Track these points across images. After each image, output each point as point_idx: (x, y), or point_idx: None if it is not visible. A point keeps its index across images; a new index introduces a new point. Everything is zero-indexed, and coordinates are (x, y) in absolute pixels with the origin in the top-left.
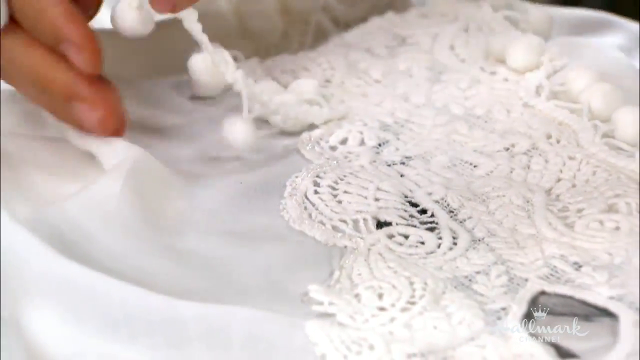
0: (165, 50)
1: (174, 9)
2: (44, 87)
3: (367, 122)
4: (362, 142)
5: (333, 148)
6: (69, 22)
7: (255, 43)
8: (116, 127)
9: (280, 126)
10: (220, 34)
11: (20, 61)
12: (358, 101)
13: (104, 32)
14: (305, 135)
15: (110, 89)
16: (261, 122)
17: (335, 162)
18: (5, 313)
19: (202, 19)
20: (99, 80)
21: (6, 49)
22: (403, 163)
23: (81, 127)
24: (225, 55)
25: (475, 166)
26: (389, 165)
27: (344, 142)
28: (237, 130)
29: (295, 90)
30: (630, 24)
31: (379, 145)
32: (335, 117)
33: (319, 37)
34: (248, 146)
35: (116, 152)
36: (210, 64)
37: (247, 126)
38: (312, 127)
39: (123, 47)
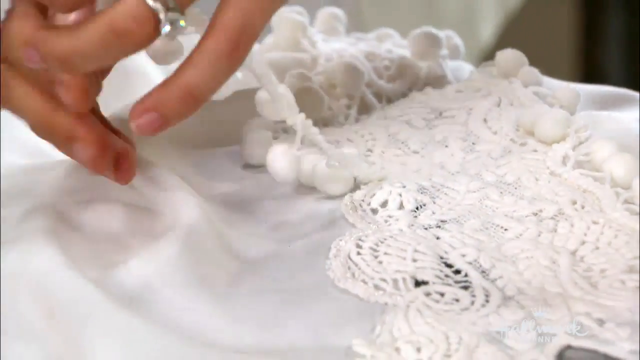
0: (219, 122)
1: (161, 128)
2: (46, 132)
3: (406, 184)
4: (401, 205)
5: (374, 211)
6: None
7: None
8: (108, 166)
9: (326, 191)
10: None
11: (24, 105)
12: (397, 168)
13: None
14: (347, 198)
15: (105, 129)
16: (308, 189)
17: (376, 226)
18: None
19: (253, 94)
20: (92, 120)
21: (9, 88)
22: (439, 226)
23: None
24: (289, 98)
25: (505, 229)
26: (426, 229)
27: (384, 204)
28: (282, 161)
29: None
30: None
31: (417, 208)
32: (376, 178)
33: (363, 111)
34: (290, 179)
35: (176, 209)
36: (262, 134)
37: (292, 159)
38: (354, 189)
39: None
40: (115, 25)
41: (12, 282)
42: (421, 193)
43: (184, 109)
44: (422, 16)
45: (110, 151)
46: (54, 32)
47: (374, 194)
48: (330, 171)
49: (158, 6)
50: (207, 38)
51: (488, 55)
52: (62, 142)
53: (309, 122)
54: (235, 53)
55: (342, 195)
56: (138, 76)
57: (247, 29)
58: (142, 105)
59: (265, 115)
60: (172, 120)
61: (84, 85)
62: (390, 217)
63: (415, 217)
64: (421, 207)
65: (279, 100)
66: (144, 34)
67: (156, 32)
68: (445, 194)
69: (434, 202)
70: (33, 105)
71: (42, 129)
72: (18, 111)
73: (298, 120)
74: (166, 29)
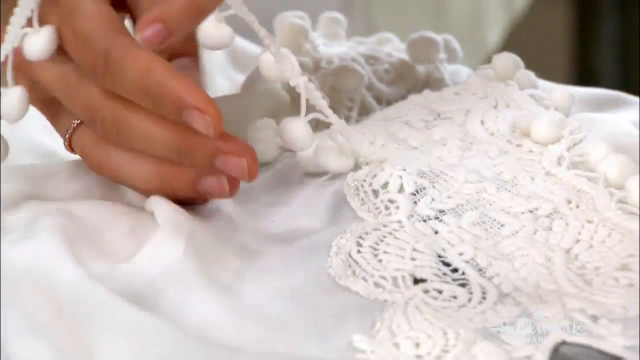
0: (226, 122)
1: (166, 39)
2: (186, 155)
3: (406, 167)
4: (401, 188)
5: (375, 192)
6: (190, 90)
7: None
8: (256, 172)
9: (328, 166)
10: (276, 109)
11: (159, 137)
12: (398, 155)
13: None
14: (350, 177)
15: (243, 141)
16: (311, 186)
17: (376, 219)
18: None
19: (259, 94)
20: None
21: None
22: (437, 218)
23: (213, 193)
24: (292, 59)
25: (502, 225)
26: (425, 221)
27: (385, 186)
28: (296, 130)
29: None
30: None
31: (417, 191)
32: (377, 159)
33: (363, 113)
34: (306, 145)
35: (180, 209)
36: (266, 133)
37: (305, 127)
38: (355, 168)
39: None
40: None
41: (21, 280)
42: (421, 177)
43: (188, 20)
44: (431, 22)
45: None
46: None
47: (375, 175)
48: (333, 143)
49: None
50: None
51: None
52: (206, 160)
53: (312, 85)
54: None
55: (344, 174)
56: None
57: None
58: (148, 17)
59: (268, 76)
60: (176, 31)
61: (217, 108)
62: (390, 201)
63: (415, 202)
64: (421, 190)
65: (282, 62)
66: None
67: None
68: (445, 180)
69: (433, 187)
70: (162, 134)
71: (182, 154)
72: (143, 144)
73: (301, 82)
74: None
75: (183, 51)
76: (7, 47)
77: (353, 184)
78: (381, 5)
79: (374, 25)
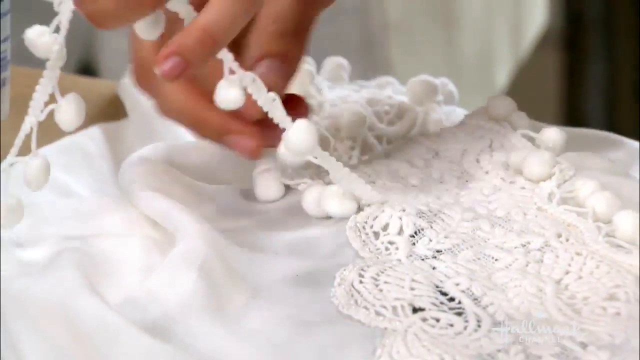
0: (237, 162)
1: (183, 72)
2: (199, 126)
3: (406, 208)
4: (401, 230)
5: (376, 234)
6: None
7: None
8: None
9: (331, 211)
10: None
11: (178, 103)
12: (398, 193)
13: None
14: (351, 220)
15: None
16: (315, 224)
17: (377, 257)
18: None
19: None
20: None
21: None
22: (434, 257)
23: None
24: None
25: (496, 260)
26: (423, 260)
27: (385, 227)
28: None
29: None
30: (628, 141)
31: (415, 233)
32: (378, 201)
33: (365, 152)
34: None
35: (190, 242)
36: (267, 175)
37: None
38: (357, 211)
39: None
40: None
41: (41, 310)
42: (419, 217)
43: (204, 51)
44: (443, 62)
45: (267, 139)
46: None
47: (376, 217)
48: (337, 189)
49: None
50: None
51: None
52: (215, 136)
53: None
54: None
55: (346, 217)
56: (160, 120)
57: None
58: (166, 51)
59: (262, 190)
60: (193, 63)
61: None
62: (390, 243)
63: (414, 243)
64: (419, 231)
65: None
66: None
67: None
68: (442, 219)
69: (431, 227)
70: (184, 104)
71: (195, 126)
72: (169, 112)
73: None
74: None
75: (271, 52)
76: (32, 120)
77: (355, 226)
78: (398, 45)
79: (390, 64)
